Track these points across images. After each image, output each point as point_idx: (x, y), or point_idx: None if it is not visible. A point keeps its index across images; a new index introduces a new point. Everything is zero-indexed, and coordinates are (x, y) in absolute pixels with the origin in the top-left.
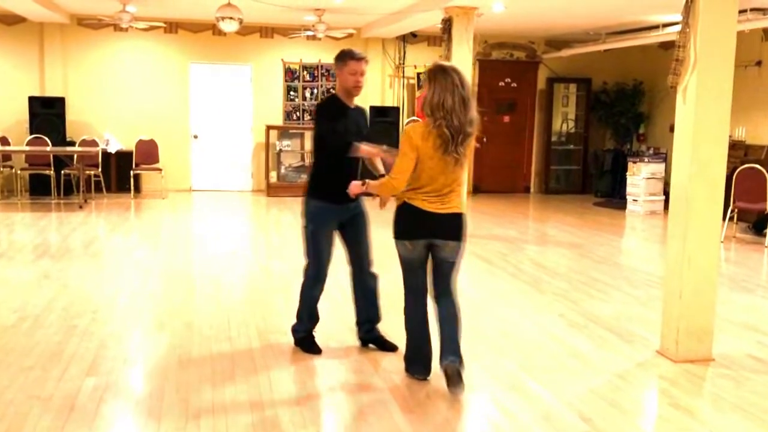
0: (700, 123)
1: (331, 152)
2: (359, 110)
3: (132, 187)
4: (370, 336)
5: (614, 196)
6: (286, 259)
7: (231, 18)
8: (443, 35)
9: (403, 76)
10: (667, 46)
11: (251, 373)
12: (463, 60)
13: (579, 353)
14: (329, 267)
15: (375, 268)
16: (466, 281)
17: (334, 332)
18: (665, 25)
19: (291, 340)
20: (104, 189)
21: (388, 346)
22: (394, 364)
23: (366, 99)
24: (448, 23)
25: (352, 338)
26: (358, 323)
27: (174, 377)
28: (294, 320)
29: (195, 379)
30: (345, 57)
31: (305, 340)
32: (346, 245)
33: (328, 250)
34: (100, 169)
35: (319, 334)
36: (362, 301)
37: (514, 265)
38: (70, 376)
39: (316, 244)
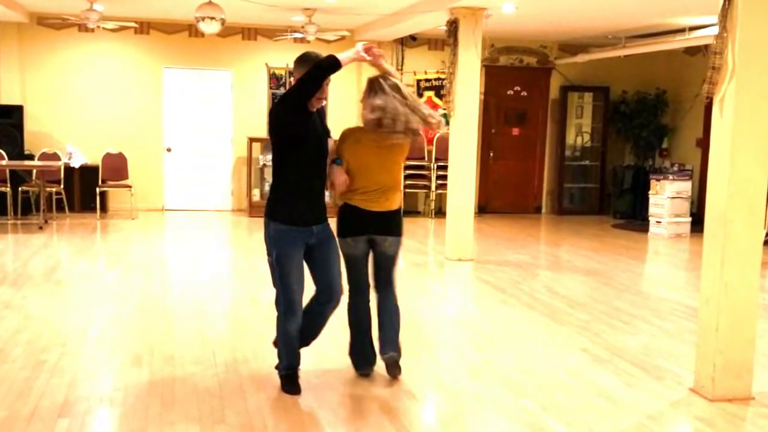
0: (739, 137)
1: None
2: (320, 111)
3: (98, 206)
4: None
5: (635, 217)
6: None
7: (212, 18)
8: (448, 38)
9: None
10: (693, 51)
11: (243, 414)
12: (470, 66)
13: (605, 391)
14: (301, 297)
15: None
16: (477, 311)
17: (334, 365)
18: (692, 29)
19: None
20: (67, 208)
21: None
22: (402, 402)
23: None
24: (453, 25)
25: (353, 374)
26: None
27: (157, 419)
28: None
29: (180, 421)
30: (308, 63)
31: (285, 378)
32: (313, 269)
33: (298, 277)
34: (62, 186)
35: (318, 368)
36: (307, 326)
37: (528, 293)
38: (40, 417)
39: (283, 271)
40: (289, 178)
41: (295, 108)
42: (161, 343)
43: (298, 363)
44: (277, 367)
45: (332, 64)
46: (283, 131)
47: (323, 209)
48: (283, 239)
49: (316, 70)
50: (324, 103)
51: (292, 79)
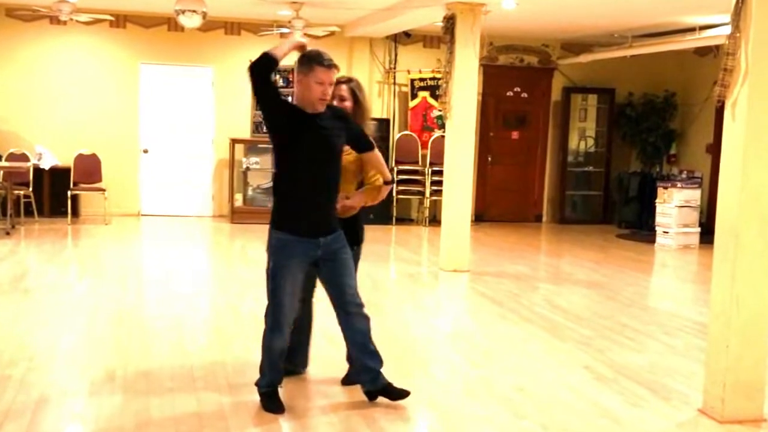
0: (752, 143)
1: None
2: (334, 114)
3: (69, 211)
4: (375, 386)
5: (641, 227)
6: (258, 297)
7: (193, 11)
8: (445, 35)
9: (395, 83)
10: (704, 51)
11: None
12: (468, 65)
13: (609, 412)
14: (292, 315)
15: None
16: (473, 326)
17: (319, 382)
18: (703, 28)
19: None
20: (36, 212)
21: (397, 394)
22: (393, 423)
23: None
24: (450, 21)
25: (340, 391)
26: (358, 375)
27: None
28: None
29: None
30: (311, 62)
31: (265, 396)
32: (325, 286)
33: (290, 293)
34: (30, 189)
35: (303, 385)
36: (354, 349)
37: (527, 307)
38: None
39: (275, 284)
40: (288, 184)
41: (280, 110)
42: (136, 357)
43: (279, 381)
44: (256, 384)
45: (264, 61)
46: (274, 133)
47: (332, 219)
48: (281, 250)
49: (250, 73)
50: (321, 107)
51: (278, 77)
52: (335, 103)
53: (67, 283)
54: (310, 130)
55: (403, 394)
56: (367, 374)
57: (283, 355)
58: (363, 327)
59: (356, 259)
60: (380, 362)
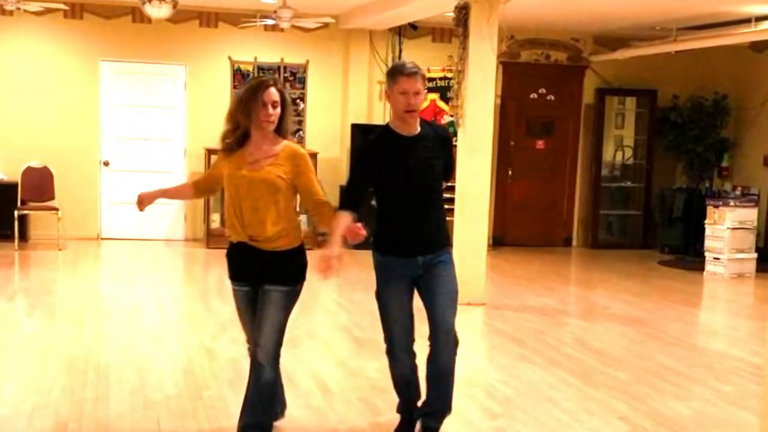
0: None
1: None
2: (437, 135)
3: (16, 234)
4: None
5: (688, 252)
6: (237, 337)
7: None
8: (457, 28)
9: None
10: (761, 47)
11: None
12: (484, 62)
13: None
14: (405, 338)
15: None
16: (490, 369)
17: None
18: (759, 19)
19: None
20: None
21: None
22: None
23: (348, 113)
24: (463, 12)
25: None
26: (414, 409)
27: None
28: None
29: None
30: (395, 73)
31: (399, 422)
32: (423, 304)
33: (399, 315)
34: None
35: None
36: (428, 383)
37: (553, 347)
38: None
39: (382, 308)
40: (385, 207)
41: (373, 175)
42: (93, 408)
43: (405, 410)
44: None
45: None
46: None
47: (432, 238)
48: (380, 272)
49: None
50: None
51: (262, 76)
52: (270, 110)
53: (13, 321)
54: (406, 157)
55: None
56: (424, 408)
57: (405, 383)
58: (447, 366)
59: (294, 300)
60: (446, 408)
